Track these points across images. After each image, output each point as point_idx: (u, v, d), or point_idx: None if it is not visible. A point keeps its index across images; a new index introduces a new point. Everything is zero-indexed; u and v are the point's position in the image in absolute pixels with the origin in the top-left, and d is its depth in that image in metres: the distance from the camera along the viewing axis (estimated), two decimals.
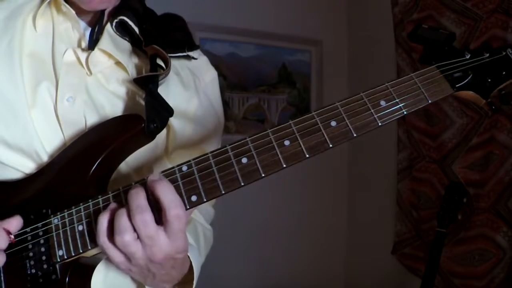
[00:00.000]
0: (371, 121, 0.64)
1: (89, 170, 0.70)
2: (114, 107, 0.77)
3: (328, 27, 2.53)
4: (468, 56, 0.70)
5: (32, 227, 0.68)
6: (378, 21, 2.38)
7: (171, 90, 0.81)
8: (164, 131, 0.79)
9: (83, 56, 0.77)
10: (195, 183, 0.63)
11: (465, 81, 0.68)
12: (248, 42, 2.33)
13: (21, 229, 0.69)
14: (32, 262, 0.67)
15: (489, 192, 1.85)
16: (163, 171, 0.65)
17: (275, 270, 2.34)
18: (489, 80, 0.69)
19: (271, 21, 2.36)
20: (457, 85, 0.67)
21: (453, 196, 1.76)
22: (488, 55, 0.70)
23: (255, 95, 2.36)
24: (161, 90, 0.77)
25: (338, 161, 2.49)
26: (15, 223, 0.67)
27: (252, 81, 2.35)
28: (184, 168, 0.64)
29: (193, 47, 0.87)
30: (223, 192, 0.63)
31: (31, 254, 0.68)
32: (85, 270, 0.68)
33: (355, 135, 0.64)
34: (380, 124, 0.64)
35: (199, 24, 2.13)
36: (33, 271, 0.67)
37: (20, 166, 0.74)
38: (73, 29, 0.79)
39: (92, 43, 0.78)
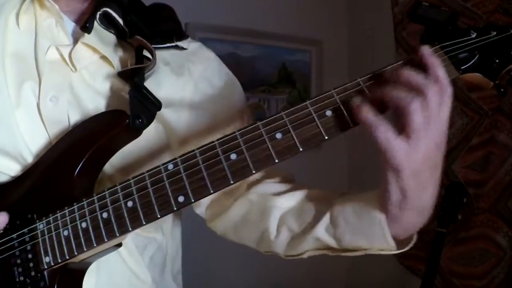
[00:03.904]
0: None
1: (73, 171, 0.67)
2: (99, 105, 0.74)
3: (328, 27, 2.53)
4: (474, 35, 0.64)
5: (18, 233, 0.66)
6: (378, 21, 2.37)
7: (162, 81, 0.78)
8: (161, 128, 0.77)
9: (66, 52, 0.74)
10: (181, 182, 0.60)
11: (471, 62, 0.63)
12: (248, 42, 2.32)
13: (8, 235, 0.67)
14: (20, 269, 0.66)
15: (489, 192, 1.85)
16: (148, 170, 0.62)
17: (275, 270, 2.34)
18: (497, 60, 0.63)
19: (271, 21, 2.36)
20: (462, 67, 0.62)
21: (453, 196, 1.75)
22: (495, 33, 0.64)
23: (255, 95, 2.36)
24: (151, 83, 0.74)
25: (338, 161, 2.49)
26: (0, 219, 0.66)
27: (252, 81, 2.35)
28: (170, 166, 0.61)
29: (182, 37, 0.83)
30: (212, 191, 0.60)
31: (18, 261, 0.66)
32: (75, 276, 0.67)
33: (352, 125, 0.59)
34: None
35: (199, 24, 2.13)
36: (22, 278, 0.65)
37: (5, 168, 0.72)
38: (56, 25, 0.76)
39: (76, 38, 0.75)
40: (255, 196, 0.77)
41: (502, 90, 0.64)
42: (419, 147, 0.55)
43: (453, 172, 1.95)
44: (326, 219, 0.67)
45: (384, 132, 0.56)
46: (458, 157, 1.94)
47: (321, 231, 0.67)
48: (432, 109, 0.55)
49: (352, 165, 2.53)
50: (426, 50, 0.58)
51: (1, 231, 0.66)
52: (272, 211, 0.74)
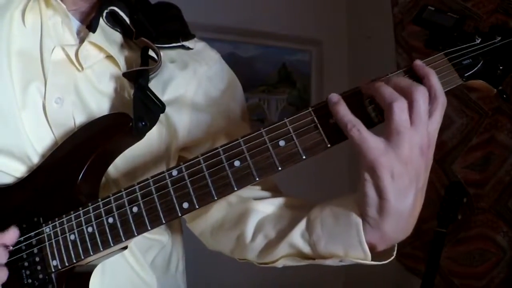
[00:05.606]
0: (375, 117, 0.59)
1: (77, 176, 0.67)
2: (104, 107, 0.74)
3: (328, 27, 2.53)
4: (478, 41, 0.63)
5: (25, 236, 0.67)
6: (378, 21, 2.37)
7: (167, 80, 0.77)
8: (164, 131, 0.76)
9: (72, 51, 0.73)
10: (186, 189, 0.60)
11: (475, 69, 0.62)
12: (248, 42, 2.33)
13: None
14: (28, 272, 0.66)
15: (489, 192, 1.85)
16: (152, 176, 0.62)
17: (275, 268, 2.34)
18: (501, 67, 0.62)
19: (271, 21, 2.36)
20: (466, 74, 0.61)
21: (453, 196, 1.75)
22: (500, 38, 0.63)
23: (255, 95, 2.36)
24: (156, 84, 0.74)
25: (338, 161, 2.49)
26: (11, 235, 0.66)
27: (252, 81, 2.35)
28: (174, 172, 0.61)
29: (188, 37, 0.83)
30: (216, 198, 0.60)
31: (26, 264, 0.66)
32: (82, 278, 0.67)
33: None
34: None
35: (199, 24, 2.12)
36: (30, 280, 0.66)
37: (11, 170, 0.71)
38: (62, 24, 0.75)
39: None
40: (235, 198, 0.76)
41: (505, 96, 0.63)
42: (400, 147, 0.54)
43: (453, 172, 1.95)
44: (302, 224, 0.66)
45: (358, 130, 0.56)
46: (458, 157, 1.94)
47: (296, 236, 0.66)
48: (418, 111, 0.55)
49: (352, 165, 2.53)
50: (418, 62, 0.59)
51: (13, 248, 0.66)
52: (250, 214, 0.73)
